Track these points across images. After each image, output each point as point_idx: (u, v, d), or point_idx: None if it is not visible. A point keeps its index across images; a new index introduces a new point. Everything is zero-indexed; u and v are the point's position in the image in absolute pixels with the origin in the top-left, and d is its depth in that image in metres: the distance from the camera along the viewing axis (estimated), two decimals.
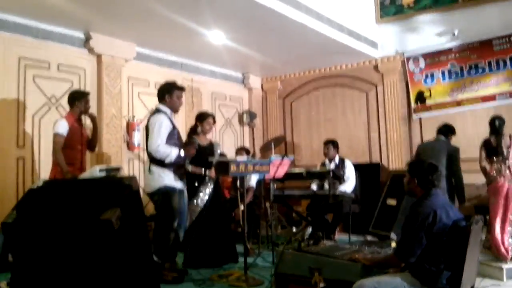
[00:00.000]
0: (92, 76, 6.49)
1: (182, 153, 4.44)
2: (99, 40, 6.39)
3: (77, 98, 5.03)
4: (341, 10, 7.18)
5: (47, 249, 2.93)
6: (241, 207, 5.08)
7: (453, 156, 5.68)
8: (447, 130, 5.96)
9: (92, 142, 5.27)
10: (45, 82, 5.85)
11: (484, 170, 5.27)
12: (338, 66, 8.70)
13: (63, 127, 4.80)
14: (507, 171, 4.97)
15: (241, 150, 6.90)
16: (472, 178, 6.14)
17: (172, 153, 4.34)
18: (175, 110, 4.66)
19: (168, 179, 4.41)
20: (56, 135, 4.79)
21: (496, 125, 5.20)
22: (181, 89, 4.70)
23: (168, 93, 4.58)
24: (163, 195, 4.42)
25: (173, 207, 4.40)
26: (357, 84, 8.59)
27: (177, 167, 4.48)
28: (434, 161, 5.65)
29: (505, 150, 5.03)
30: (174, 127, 4.52)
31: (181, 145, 4.56)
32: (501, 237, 4.89)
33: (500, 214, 4.94)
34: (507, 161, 5.01)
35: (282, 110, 9.49)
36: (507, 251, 4.86)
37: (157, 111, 4.59)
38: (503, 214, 4.94)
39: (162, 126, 4.38)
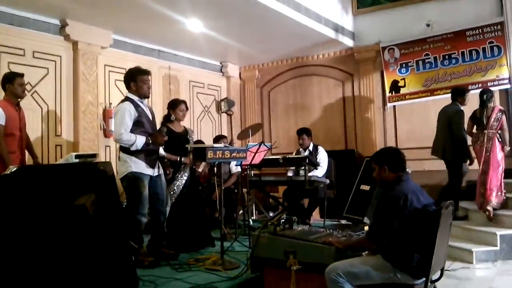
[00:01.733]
0: (68, 63, 6.44)
1: (150, 141, 4.38)
2: (75, 27, 6.33)
3: (9, 81, 4.68)
4: (319, 0, 7.24)
5: (20, 236, 2.89)
6: (218, 191, 5.11)
7: (453, 117, 6.07)
8: (454, 94, 6.32)
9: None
10: (20, 69, 5.75)
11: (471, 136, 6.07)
12: (315, 55, 8.78)
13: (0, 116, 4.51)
14: (484, 139, 5.71)
15: (223, 138, 6.95)
16: (443, 165, 6.31)
17: (137, 141, 4.29)
18: (143, 95, 4.49)
19: (135, 166, 4.36)
20: None
21: (483, 98, 5.87)
22: (145, 72, 4.52)
23: (133, 80, 4.44)
24: (130, 181, 4.38)
25: (139, 193, 4.36)
26: (333, 73, 8.69)
27: (147, 153, 4.43)
28: (441, 124, 6.17)
29: (484, 120, 5.74)
30: (141, 115, 4.41)
31: (152, 132, 4.52)
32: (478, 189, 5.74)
33: (480, 174, 5.74)
34: (485, 131, 5.72)
35: (260, 99, 9.55)
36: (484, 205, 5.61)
37: (123, 99, 4.50)
38: (483, 174, 5.69)
39: (124, 114, 4.30)
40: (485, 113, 5.77)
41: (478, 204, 5.73)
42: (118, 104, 4.49)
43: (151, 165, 4.48)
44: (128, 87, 4.51)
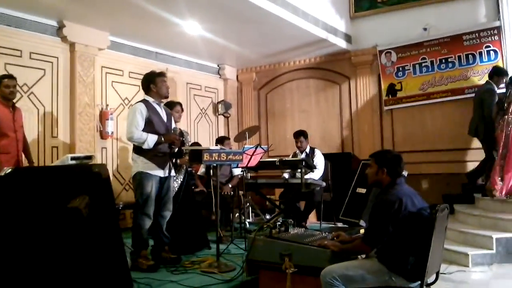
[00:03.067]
0: (65, 64, 6.43)
1: (162, 139, 4.44)
2: (72, 29, 6.33)
3: None
4: (316, 4, 7.26)
5: (14, 237, 2.89)
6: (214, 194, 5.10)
7: (483, 95, 6.11)
8: (492, 72, 6.36)
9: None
10: (17, 70, 5.76)
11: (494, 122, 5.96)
12: (313, 58, 8.80)
13: None
14: (504, 123, 5.63)
15: (226, 140, 6.96)
16: (439, 168, 6.34)
17: (148, 139, 4.34)
18: (164, 95, 4.63)
19: (143, 166, 4.41)
20: None
21: (509, 81, 5.90)
22: (162, 74, 4.68)
23: (152, 82, 4.55)
24: (137, 181, 4.44)
25: (144, 193, 4.40)
26: (330, 76, 8.71)
27: (156, 154, 4.46)
28: (475, 103, 6.23)
29: (505, 105, 5.69)
30: (152, 115, 4.47)
31: (166, 133, 4.56)
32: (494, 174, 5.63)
33: (499, 158, 5.65)
34: (505, 116, 5.64)
35: (257, 101, 9.57)
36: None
37: (139, 101, 4.60)
38: (503, 159, 5.60)
39: (136, 113, 4.38)
40: (506, 98, 5.72)
41: (493, 190, 5.65)
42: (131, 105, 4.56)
43: (160, 166, 4.50)
44: (147, 90, 4.60)
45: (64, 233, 2.95)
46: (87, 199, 2.95)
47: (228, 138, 7.21)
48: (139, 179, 4.42)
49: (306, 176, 5.95)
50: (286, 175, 6.52)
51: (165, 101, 4.87)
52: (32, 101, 6.03)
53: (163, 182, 4.59)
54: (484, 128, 6.08)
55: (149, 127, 4.43)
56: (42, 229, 2.91)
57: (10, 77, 4.92)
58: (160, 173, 4.51)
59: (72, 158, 4.54)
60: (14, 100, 5.08)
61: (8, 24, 5.79)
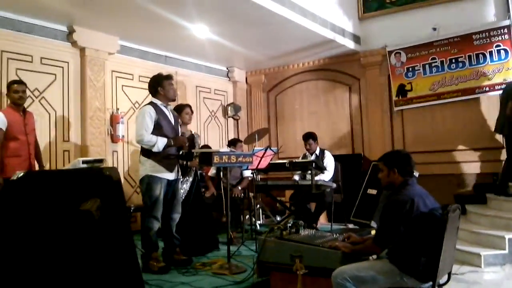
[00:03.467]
0: (76, 69, 6.49)
1: (172, 142, 4.46)
2: (82, 34, 6.38)
3: (7, 88, 4.95)
4: (324, 5, 7.25)
5: (26, 241, 2.91)
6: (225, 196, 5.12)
7: (510, 92, 5.97)
8: None
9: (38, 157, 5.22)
10: (28, 75, 5.82)
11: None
12: (322, 60, 8.79)
13: (0, 121, 4.70)
14: None
15: (238, 142, 6.99)
16: (450, 168, 6.29)
17: (158, 141, 4.36)
18: (171, 98, 4.65)
19: (151, 169, 4.43)
20: None
21: None
22: (169, 77, 4.69)
23: (160, 85, 4.56)
24: (145, 184, 4.46)
25: (153, 196, 4.42)
26: (340, 77, 8.69)
27: (165, 157, 4.47)
28: (503, 99, 6.11)
29: None
30: (161, 118, 4.48)
31: (174, 136, 4.58)
32: None
33: None
34: None
35: (267, 103, 9.57)
36: None
37: (147, 104, 4.62)
38: None
39: (145, 116, 4.40)
40: None
41: None
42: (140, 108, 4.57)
43: (169, 169, 4.52)
44: (155, 93, 4.61)
45: (76, 236, 2.96)
46: (98, 202, 2.97)
47: (241, 141, 7.23)
48: (147, 182, 4.44)
49: (316, 178, 5.95)
50: (296, 177, 6.52)
51: (173, 104, 4.89)
52: (43, 105, 6.09)
53: (172, 185, 4.60)
54: (509, 125, 5.92)
55: (158, 130, 4.44)
56: (54, 232, 2.93)
57: (19, 82, 5.01)
58: (168, 176, 4.52)
59: (84, 162, 4.57)
60: (26, 105, 5.16)
61: (19, 30, 5.85)
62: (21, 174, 3.17)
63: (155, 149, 4.38)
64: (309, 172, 5.87)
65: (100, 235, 3.05)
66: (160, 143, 4.38)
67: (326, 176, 6.25)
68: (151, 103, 4.57)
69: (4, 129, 4.70)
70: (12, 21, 5.78)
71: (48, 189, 3.05)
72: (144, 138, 4.36)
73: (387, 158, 3.25)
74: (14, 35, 5.79)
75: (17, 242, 2.89)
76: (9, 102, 5.00)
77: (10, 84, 4.94)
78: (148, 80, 4.75)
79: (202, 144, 7.32)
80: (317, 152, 6.58)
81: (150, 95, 4.73)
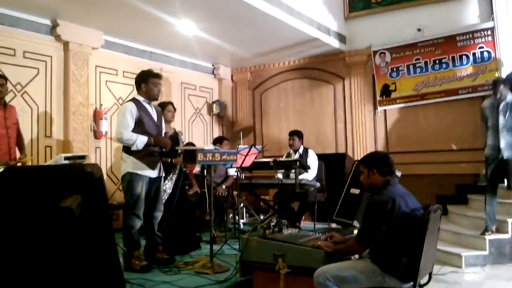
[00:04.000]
0: (59, 63, 6.40)
1: (152, 142, 4.40)
2: (66, 28, 6.30)
3: None
4: (311, 4, 7.26)
5: (5, 237, 2.87)
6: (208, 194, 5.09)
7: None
8: None
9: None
10: (10, 69, 5.73)
11: None
12: (307, 58, 8.80)
13: None
14: None
15: (224, 140, 6.96)
16: (433, 169, 6.35)
17: (137, 140, 4.29)
18: (152, 98, 4.54)
19: (133, 166, 4.37)
20: None
21: None
22: (157, 76, 4.58)
23: (144, 81, 4.49)
24: (127, 181, 4.40)
25: (134, 194, 4.36)
26: (325, 76, 8.72)
27: (147, 154, 4.41)
28: None
29: None
30: (143, 115, 4.41)
31: (157, 133, 4.52)
32: None
33: None
34: None
35: (252, 101, 9.56)
36: None
37: (129, 100, 4.55)
38: None
39: (126, 113, 4.33)
40: None
41: None
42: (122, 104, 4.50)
43: (151, 167, 4.46)
44: (138, 88, 4.56)
45: (56, 233, 2.92)
46: (79, 199, 2.93)
47: (227, 139, 7.19)
48: (129, 179, 4.38)
49: (299, 177, 5.95)
50: (279, 175, 6.52)
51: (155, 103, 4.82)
52: (25, 100, 5.99)
53: (154, 182, 4.55)
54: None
55: (140, 127, 4.37)
56: (34, 229, 2.89)
57: None
58: (151, 173, 4.47)
59: (66, 158, 4.53)
60: (7, 99, 5.06)
61: (2, 23, 5.75)
62: (1, 170, 3.13)
63: (134, 148, 4.31)
64: (293, 171, 5.87)
65: (81, 232, 3.01)
66: (139, 142, 4.31)
67: (309, 175, 6.26)
68: (133, 100, 4.49)
69: None
70: None
71: (28, 185, 3.00)
72: (123, 136, 4.29)
73: (366, 160, 3.30)
74: None
75: None
76: None
77: None
78: (132, 75, 4.72)
79: (186, 141, 7.27)
80: (301, 150, 6.58)
81: (134, 90, 4.67)
